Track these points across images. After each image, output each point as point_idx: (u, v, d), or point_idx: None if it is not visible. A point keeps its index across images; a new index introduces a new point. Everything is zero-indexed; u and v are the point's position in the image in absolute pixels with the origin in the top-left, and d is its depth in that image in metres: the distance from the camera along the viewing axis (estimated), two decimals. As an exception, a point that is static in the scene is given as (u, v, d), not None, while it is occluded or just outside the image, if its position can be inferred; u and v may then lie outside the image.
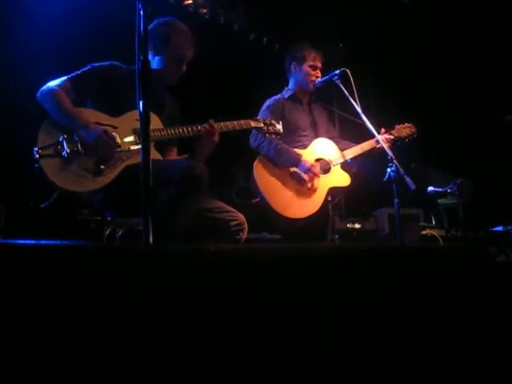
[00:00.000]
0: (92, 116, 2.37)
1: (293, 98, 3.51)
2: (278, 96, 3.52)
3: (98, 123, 2.33)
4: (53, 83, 2.40)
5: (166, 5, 4.34)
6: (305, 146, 3.35)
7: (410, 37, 5.24)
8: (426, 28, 5.17)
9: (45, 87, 2.38)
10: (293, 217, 3.05)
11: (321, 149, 3.36)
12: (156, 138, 2.38)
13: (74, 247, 0.92)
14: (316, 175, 3.15)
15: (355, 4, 5.07)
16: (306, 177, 3.13)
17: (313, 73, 3.43)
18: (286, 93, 3.53)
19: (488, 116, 4.90)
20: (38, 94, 2.38)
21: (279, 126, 2.80)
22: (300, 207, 3.09)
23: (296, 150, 3.30)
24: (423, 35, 5.22)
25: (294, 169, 3.14)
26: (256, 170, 3.14)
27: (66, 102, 2.34)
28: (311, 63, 3.44)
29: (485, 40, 5.06)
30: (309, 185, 3.12)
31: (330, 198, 3.24)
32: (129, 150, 2.35)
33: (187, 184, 2.21)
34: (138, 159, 2.28)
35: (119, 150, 2.33)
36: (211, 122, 2.47)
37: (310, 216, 3.09)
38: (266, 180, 3.11)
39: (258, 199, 3.05)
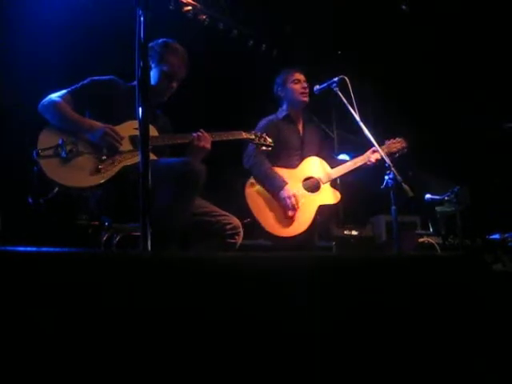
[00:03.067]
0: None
1: (287, 118, 3.55)
2: (272, 116, 3.56)
3: None
4: (53, 95, 2.44)
5: (166, 11, 4.36)
6: (295, 166, 3.43)
7: (409, 45, 5.28)
8: (425, 36, 5.20)
9: (46, 99, 2.42)
10: (282, 235, 3.15)
11: (310, 168, 3.45)
12: (152, 143, 2.42)
13: (75, 255, 0.92)
14: (294, 207, 3.19)
15: (354, 12, 5.10)
16: (287, 205, 3.19)
17: (298, 86, 3.48)
18: (280, 113, 3.59)
19: (486, 124, 4.93)
20: (40, 106, 2.41)
21: (270, 140, 2.88)
22: (289, 227, 3.18)
23: (286, 170, 3.36)
24: (422, 43, 5.25)
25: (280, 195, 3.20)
26: (247, 191, 3.24)
27: (69, 110, 2.39)
28: (292, 79, 3.50)
29: (484, 48, 5.10)
30: (289, 213, 3.18)
31: (319, 217, 3.33)
32: (127, 151, 2.40)
33: (186, 180, 2.25)
34: (135, 160, 2.36)
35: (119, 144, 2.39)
36: (201, 130, 2.53)
37: (299, 235, 3.18)
38: (255, 200, 3.22)
39: (248, 220, 3.12)
